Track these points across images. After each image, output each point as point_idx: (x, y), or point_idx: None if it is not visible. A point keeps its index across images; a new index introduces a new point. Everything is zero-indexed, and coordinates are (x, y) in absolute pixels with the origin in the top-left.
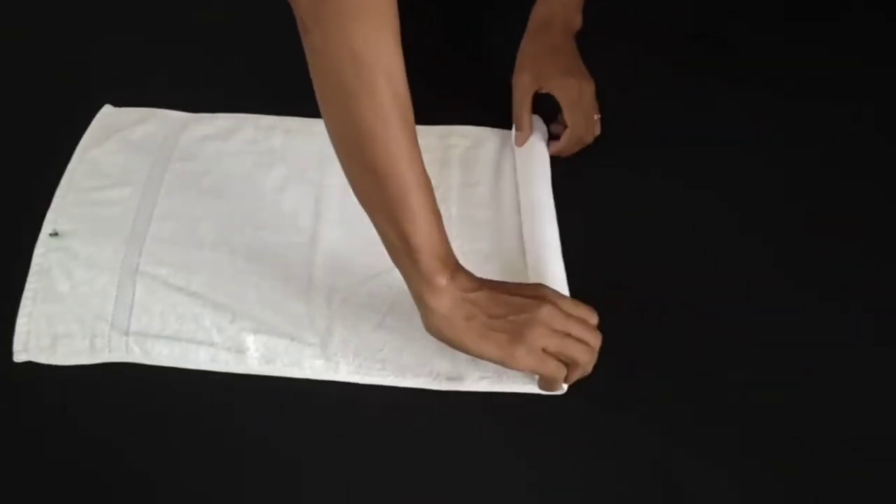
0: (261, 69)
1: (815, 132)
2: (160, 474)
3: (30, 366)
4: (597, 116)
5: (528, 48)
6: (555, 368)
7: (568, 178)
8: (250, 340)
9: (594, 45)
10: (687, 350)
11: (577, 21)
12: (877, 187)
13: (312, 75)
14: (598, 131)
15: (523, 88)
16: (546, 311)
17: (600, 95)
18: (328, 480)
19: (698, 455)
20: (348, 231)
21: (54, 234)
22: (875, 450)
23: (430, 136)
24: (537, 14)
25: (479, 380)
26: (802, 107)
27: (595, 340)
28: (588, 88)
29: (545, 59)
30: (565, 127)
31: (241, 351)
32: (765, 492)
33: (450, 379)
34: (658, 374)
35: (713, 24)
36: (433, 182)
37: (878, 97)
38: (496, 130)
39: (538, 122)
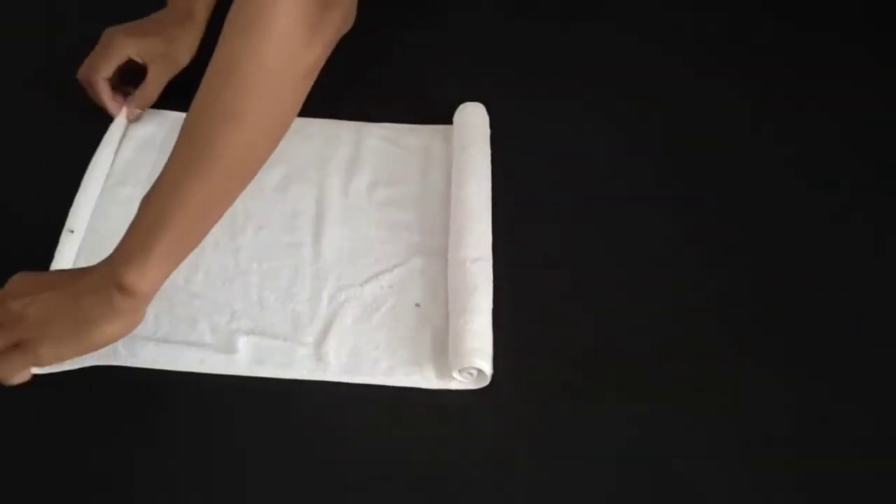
0: None
1: None
2: (158, 475)
3: None
4: None
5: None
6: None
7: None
8: (242, 342)
9: None
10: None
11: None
12: None
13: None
14: None
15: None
16: None
17: None
18: (324, 480)
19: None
20: (349, 231)
21: (71, 232)
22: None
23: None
24: None
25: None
26: None
27: None
28: None
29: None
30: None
31: (230, 352)
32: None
33: (441, 378)
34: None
35: None
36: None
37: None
38: (437, 127)
39: (478, 109)
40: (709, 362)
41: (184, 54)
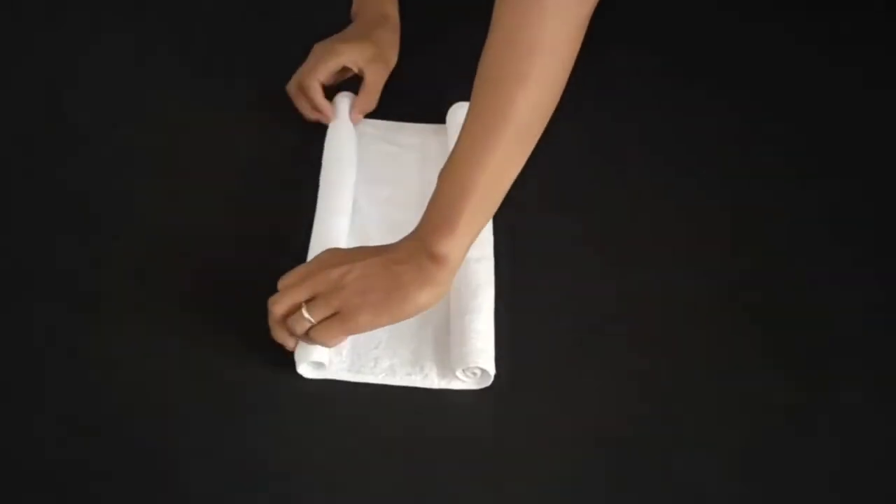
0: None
1: None
2: (157, 475)
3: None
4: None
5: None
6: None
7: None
8: None
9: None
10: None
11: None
12: None
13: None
14: None
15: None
16: None
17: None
18: (324, 478)
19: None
20: (350, 229)
21: None
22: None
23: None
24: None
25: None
26: None
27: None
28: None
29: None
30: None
31: None
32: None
33: (443, 378)
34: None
35: None
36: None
37: None
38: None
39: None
40: (711, 363)
41: (392, 54)
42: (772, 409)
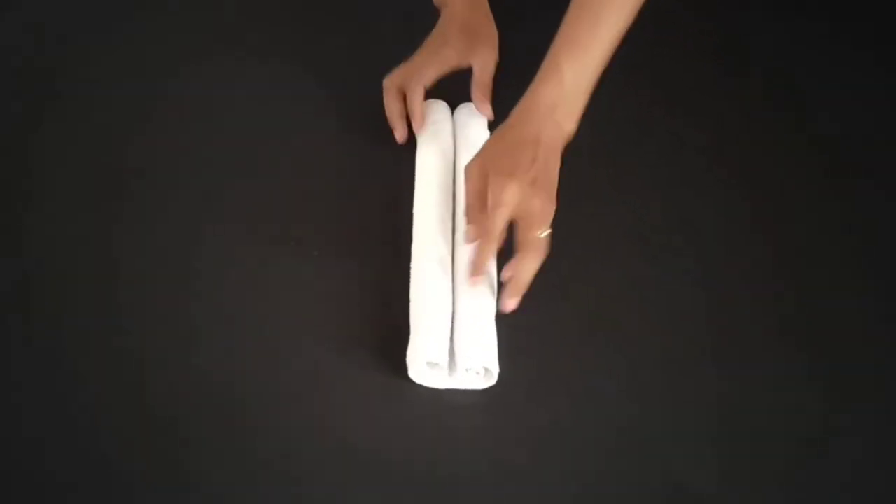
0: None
1: None
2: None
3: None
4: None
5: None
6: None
7: None
8: None
9: None
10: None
11: None
12: None
13: None
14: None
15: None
16: None
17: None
18: (327, 477)
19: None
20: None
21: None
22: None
23: None
24: None
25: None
26: None
27: None
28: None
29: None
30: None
31: None
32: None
33: (449, 375)
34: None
35: None
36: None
37: None
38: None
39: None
40: (714, 363)
41: (494, 35)
42: (772, 408)
